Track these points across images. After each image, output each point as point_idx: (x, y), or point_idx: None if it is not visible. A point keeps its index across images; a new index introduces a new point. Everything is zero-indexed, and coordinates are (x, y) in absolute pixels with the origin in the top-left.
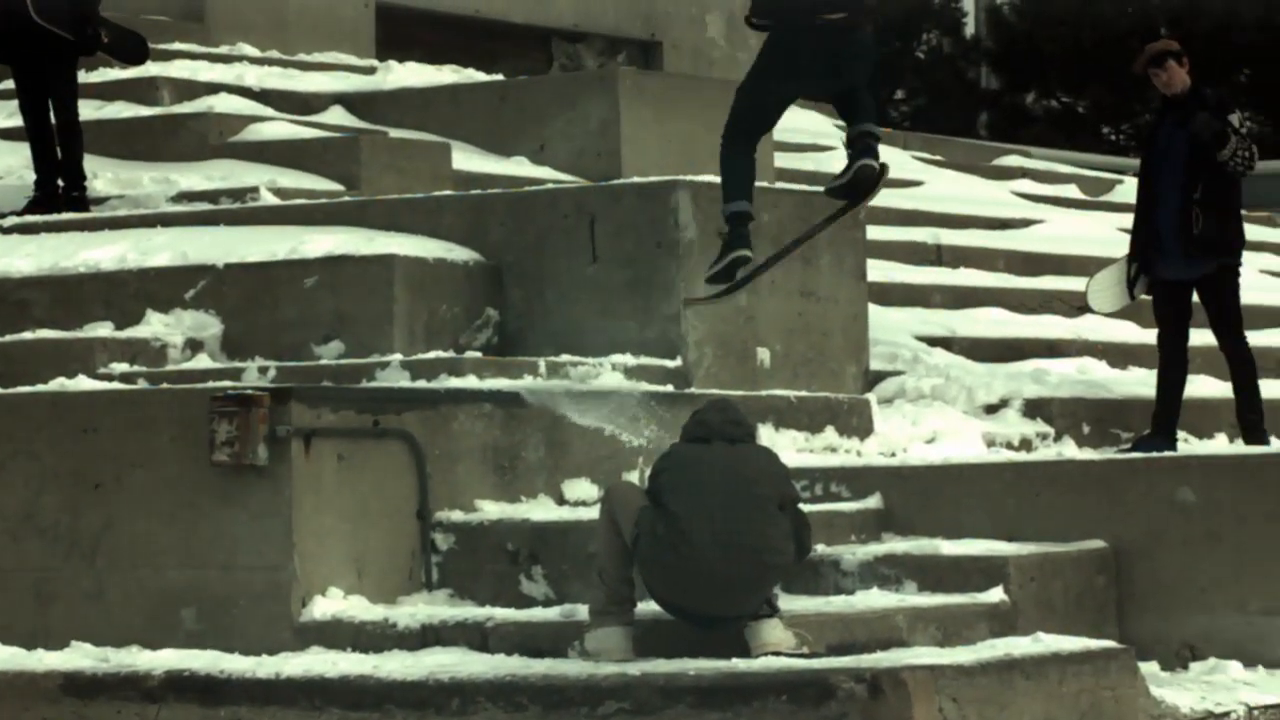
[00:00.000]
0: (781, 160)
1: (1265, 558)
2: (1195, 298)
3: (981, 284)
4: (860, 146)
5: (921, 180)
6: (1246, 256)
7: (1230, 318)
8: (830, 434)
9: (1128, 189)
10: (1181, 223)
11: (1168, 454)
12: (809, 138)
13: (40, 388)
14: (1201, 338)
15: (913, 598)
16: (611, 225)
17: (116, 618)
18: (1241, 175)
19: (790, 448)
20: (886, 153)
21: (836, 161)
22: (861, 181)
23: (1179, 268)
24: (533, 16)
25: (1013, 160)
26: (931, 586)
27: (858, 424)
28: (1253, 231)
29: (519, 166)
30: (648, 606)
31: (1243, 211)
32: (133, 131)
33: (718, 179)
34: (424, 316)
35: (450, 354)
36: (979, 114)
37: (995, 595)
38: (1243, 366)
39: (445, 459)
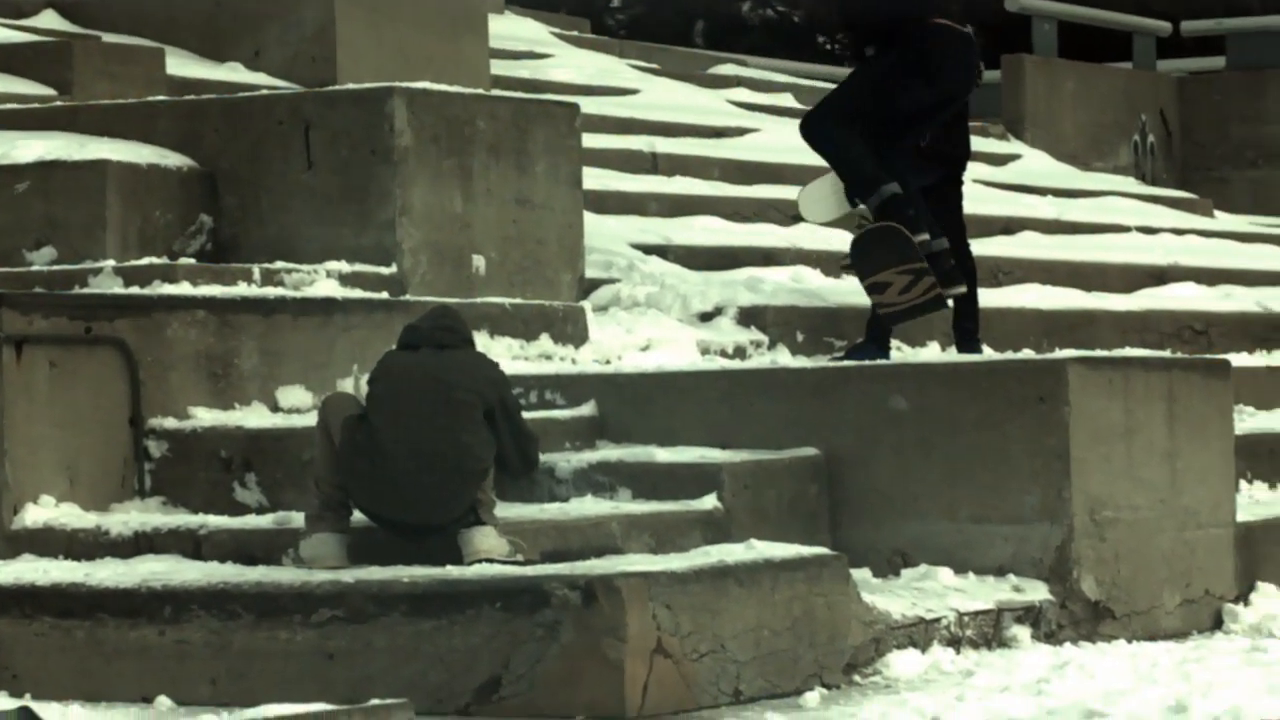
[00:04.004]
0: (498, 68)
1: (976, 466)
2: None
3: (697, 192)
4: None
5: (638, 89)
6: None
7: (955, 226)
8: (545, 341)
9: None
10: None
11: (881, 362)
12: (525, 45)
13: None
14: None
15: (627, 505)
16: (327, 132)
17: None
18: (969, 90)
19: (505, 355)
20: (601, 60)
21: (553, 69)
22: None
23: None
24: None
25: (728, 69)
26: (646, 494)
27: (573, 331)
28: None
29: (234, 73)
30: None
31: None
32: None
33: (434, 85)
34: (137, 223)
35: (164, 260)
36: (695, 23)
37: (709, 502)
38: (964, 275)
39: (158, 366)
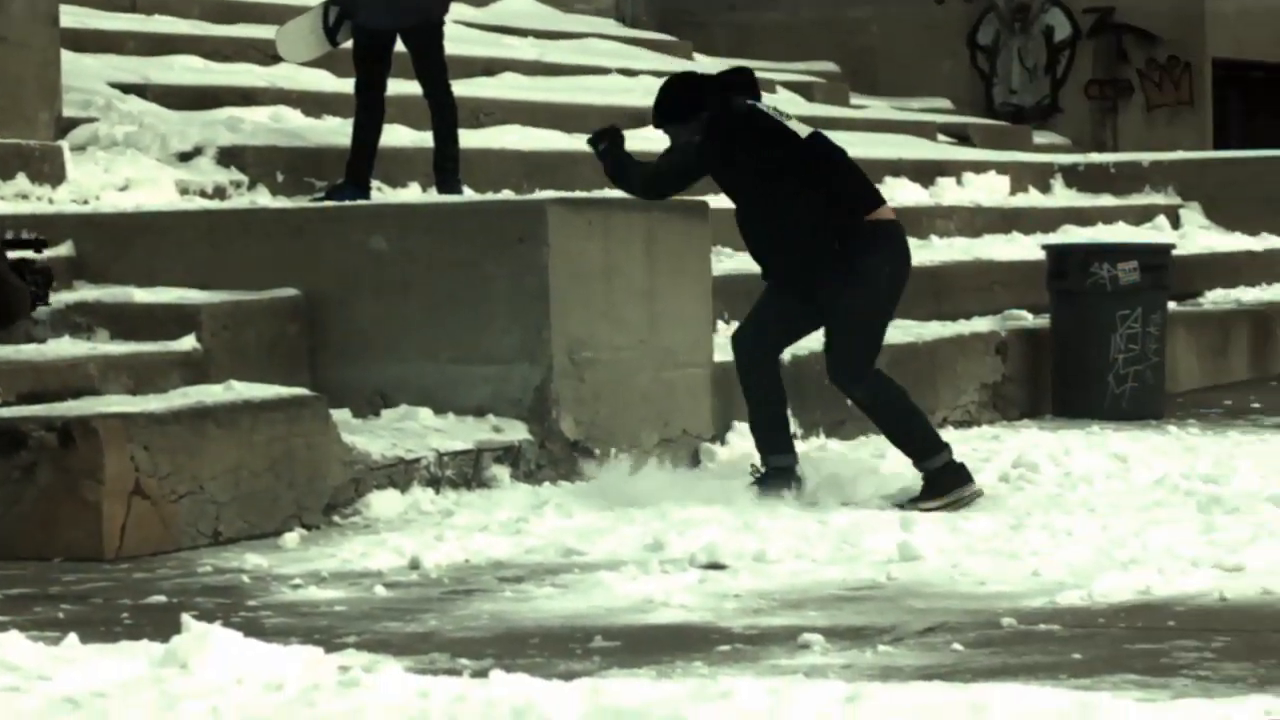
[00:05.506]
0: None
1: (456, 307)
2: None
3: (176, 31)
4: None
5: None
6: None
7: (437, 68)
8: (22, 181)
9: None
10: None
11: (361, 203)
12: None
13: None
14: (395, 87)
15: (105, 346)
16: None
17: None
18: None
19: None
20: None
21: None
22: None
23: (385, 18)
24: None
25: None
26: (124, 335)
27: (50, 171)
28: None
29: None
30: None
31: None
32: None
33: None
34: None
35: None
36: None
37: (188, 343)
38: (444, 115)
39: None
